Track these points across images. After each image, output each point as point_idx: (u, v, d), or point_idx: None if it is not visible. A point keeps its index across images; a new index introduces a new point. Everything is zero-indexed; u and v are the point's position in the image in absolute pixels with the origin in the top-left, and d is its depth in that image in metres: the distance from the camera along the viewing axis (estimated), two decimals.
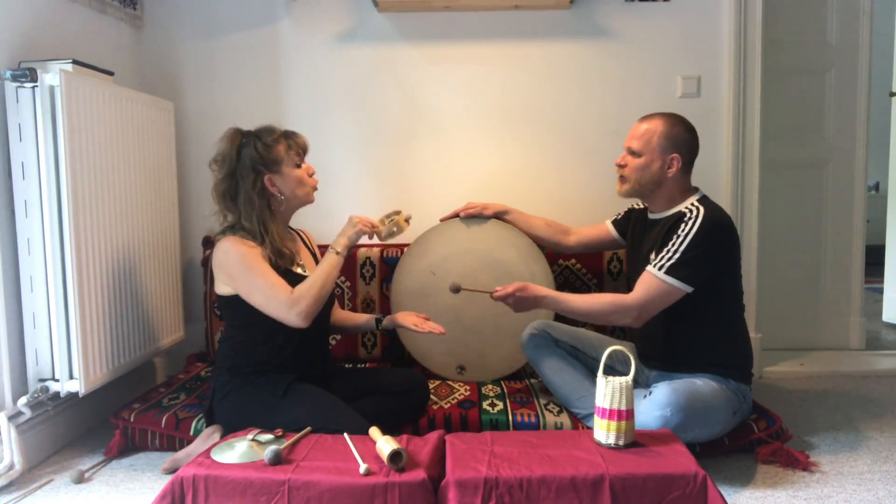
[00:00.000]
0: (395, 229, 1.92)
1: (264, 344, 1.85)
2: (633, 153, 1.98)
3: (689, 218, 1.89)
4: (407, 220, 1.95)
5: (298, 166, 1.89)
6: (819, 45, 2.92)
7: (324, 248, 2.43)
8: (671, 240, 1.88)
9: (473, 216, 2.34)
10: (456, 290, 2.12)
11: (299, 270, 1.92)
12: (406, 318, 2.02)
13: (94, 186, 1.98)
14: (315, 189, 1.96)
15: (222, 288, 1.86)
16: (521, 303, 2.00)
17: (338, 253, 1.83)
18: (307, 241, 2.09)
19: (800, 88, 2.94)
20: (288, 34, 2.65)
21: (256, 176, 1.84)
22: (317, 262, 2.04)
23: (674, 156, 1.94)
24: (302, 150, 1.92)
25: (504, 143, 2.69)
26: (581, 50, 2.64)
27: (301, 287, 1.78)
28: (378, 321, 2.08)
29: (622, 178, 2.02)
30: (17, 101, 1.86)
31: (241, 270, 1.77)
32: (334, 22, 2.64)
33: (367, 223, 1.88)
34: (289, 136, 1.89)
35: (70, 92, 1.86)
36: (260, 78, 2.67)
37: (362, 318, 2.11)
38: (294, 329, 1.78)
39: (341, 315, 2.12)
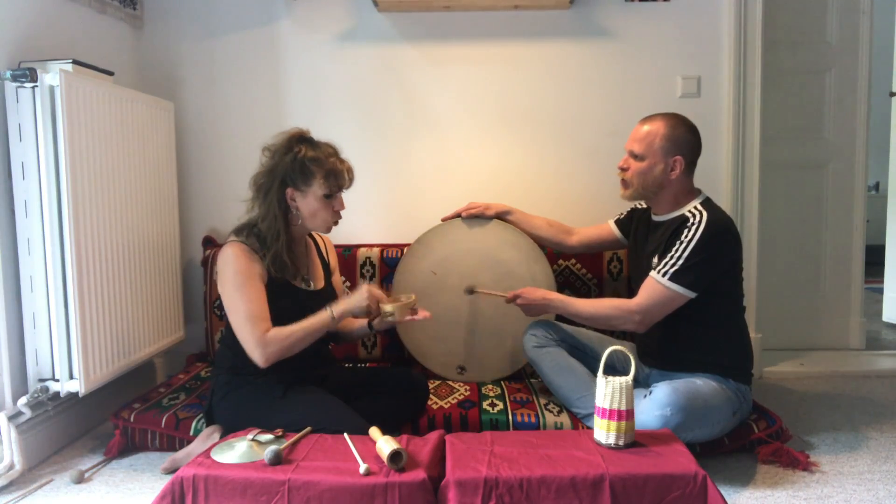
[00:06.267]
0: (398, 316, 1.84)
1: None
2: (635, 156, 1.97)
3: (693, 223, 1.88)
4: (413, 311, 1.88)
5: (328, 197, 1.84)
6: (819, 45, 2.93)
7: (340, 249, 2.43)
8: (674, 245, 1.88)
9: (475, 216, 2.34)
10: (470, 291, 2.17)
11: (302, 285, 1.91)
12: None
13: (94, 186, 1.98)
14: (336, 223, 1.91)
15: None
16: (529, 306, 2.03)
17: (333, 317, 1.80)
18: (322, 249, 2.07)
19: (800, 88, 2.94)
20: (288, 34, 2.65)
21: (282, 185, 1.83)
22: (326, 272, 2.02)
23: (677, 158, 1.93)
24: (338, 186, 1.86)
25: (504, 143, 2.68)
26: (581, 50, 2.64)
27: (278, 332, 1.74)
28: (370, 323, 2.05)
29: (625, 183, 2.01)
30: (17, 101, 1.86)
31: (231, 287, 1.77)
32: (334, 22, 2.64)
33: (376, 302, 1.83)
34: (336, 166, 1.83)
35: (70, 92, 1.86)
36: (260, 78, 2.66)
37: (357, 324, 2.07)
38: None
39: None
